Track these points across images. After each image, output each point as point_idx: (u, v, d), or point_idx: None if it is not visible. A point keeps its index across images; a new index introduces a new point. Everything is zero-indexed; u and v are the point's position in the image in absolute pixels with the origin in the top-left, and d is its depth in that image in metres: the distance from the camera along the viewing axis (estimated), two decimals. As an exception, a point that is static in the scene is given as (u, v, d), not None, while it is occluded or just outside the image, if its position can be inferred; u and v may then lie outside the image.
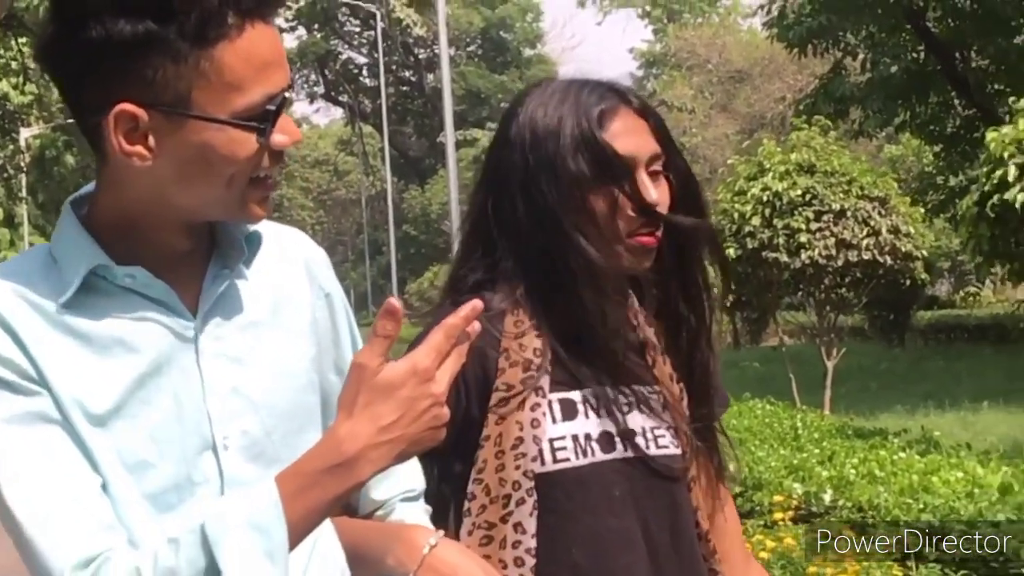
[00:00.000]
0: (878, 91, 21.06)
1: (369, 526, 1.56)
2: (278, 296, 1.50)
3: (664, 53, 50.20)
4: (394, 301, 1.27)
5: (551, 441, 1.62)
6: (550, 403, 1.64)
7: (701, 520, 1.73)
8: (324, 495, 1.27)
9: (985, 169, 6.82)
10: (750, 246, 9.61)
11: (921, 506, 4.67)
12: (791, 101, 28.53)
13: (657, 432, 1.68)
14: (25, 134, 31.08)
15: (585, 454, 1.63)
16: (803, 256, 9.55)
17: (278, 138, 1.34)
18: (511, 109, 1.72)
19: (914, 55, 20.89)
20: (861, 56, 21.33)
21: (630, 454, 1.65)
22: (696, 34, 45.97)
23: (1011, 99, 8.14)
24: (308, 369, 1.50)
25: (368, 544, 1.53)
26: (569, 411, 1.64)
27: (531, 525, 1.59)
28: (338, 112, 62.42)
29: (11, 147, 28.54)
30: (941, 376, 16.02)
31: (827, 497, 4.93)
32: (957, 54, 19.66)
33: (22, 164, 30.23)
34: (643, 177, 1.63)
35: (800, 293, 9.99)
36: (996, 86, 20.94)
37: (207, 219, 1.41)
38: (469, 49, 55.22)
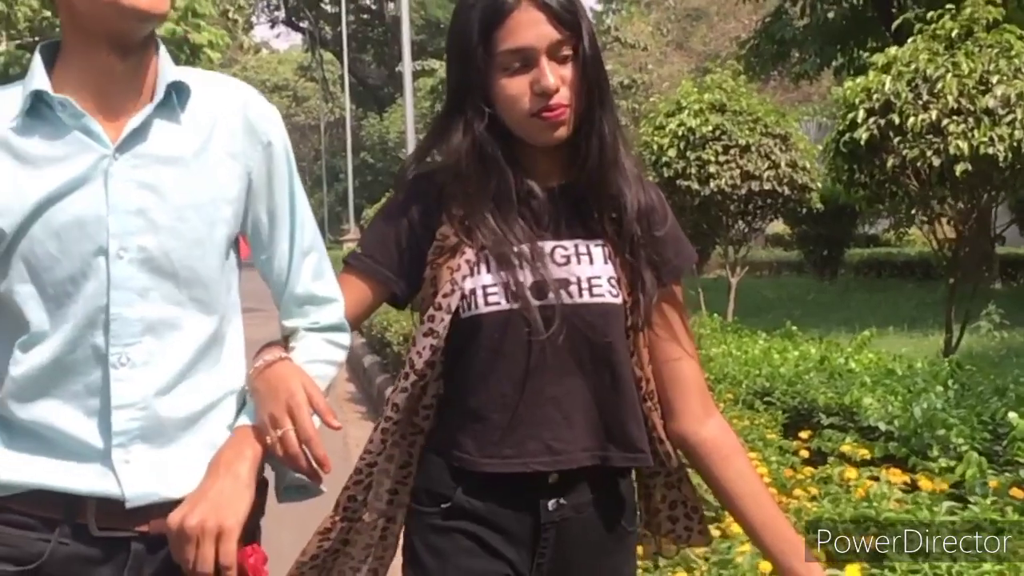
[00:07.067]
0: (816, 35, 21.39)
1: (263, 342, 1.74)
2: (208, 139, 1.62)
3: (624, -12, 50.25)
4: None
5: (484, 288, 1.75)
6: (486, 256, 1.76)
7: (636, 367, 1.82)
8: None
9: (842, 112, 7.92)
10: (666, 175, 10.61)
11: (757, 372, 5.83)
12: (744, 40, 28.76)
13: (594, 281, 1.77)
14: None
15: (516, 299, 1.73)
16: (711, 185, 10.61)
17: None
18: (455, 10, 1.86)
19: (853, 1, 21.02)
20: (801, 1, 21.94)
21: (563, 301, 1.74)
22: (656, -30, 46.17)
23: (865, 54, 9.01)
24: (223, 207, 1.63)
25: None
26: (504, 263, 1.75)
27: (426, 350, 1.76)
28: (298, 38, 61.41)
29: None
30: (860, 306, 16.18)
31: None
32: (894, 1, 19.63)
33: (-15, 80, 30.01)
34: (543, 64, 1.73)
35: (711, 217, 11.10)
36: (931, 32, 20.89)
37: (109, 25, 1.52)
38: (430, -21, 55.08)
